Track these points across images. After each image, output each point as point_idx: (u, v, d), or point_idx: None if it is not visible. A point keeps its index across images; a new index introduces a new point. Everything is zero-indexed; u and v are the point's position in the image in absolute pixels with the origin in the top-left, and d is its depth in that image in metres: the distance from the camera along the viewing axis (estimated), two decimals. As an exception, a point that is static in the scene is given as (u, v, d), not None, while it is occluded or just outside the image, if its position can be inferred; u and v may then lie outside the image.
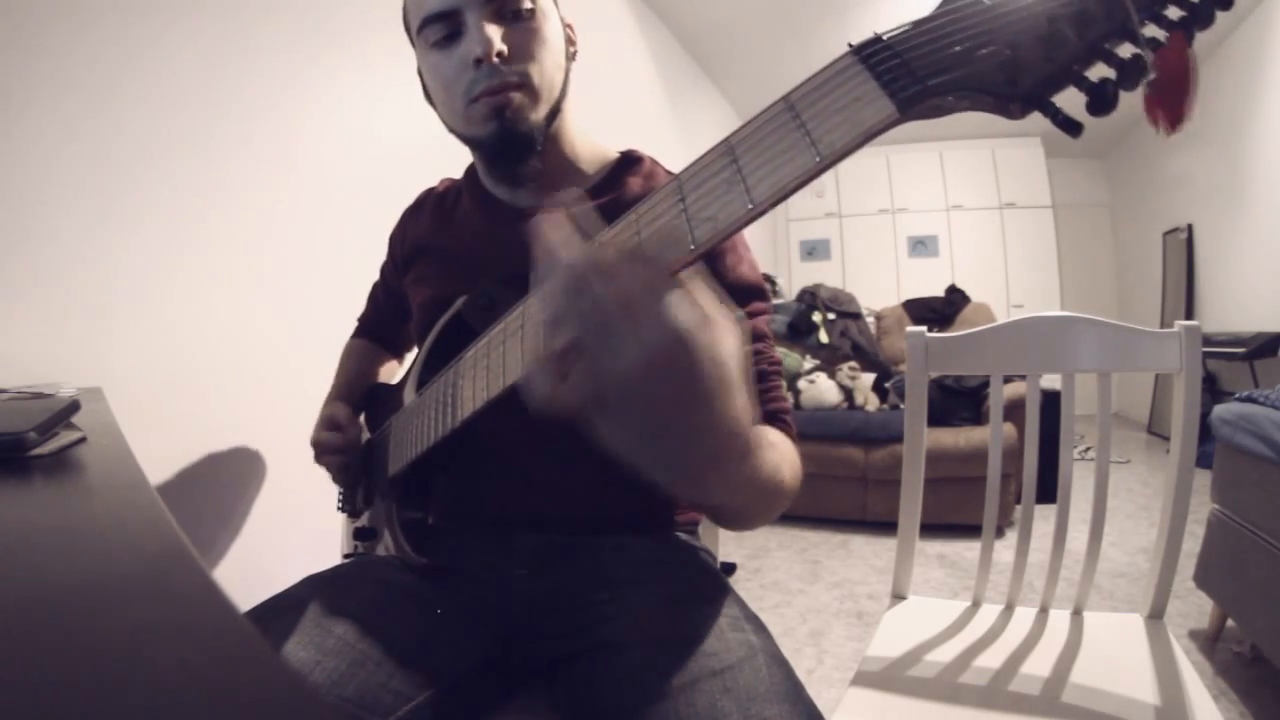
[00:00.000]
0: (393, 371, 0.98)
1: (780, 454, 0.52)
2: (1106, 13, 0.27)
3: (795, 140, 0.31)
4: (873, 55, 0.30)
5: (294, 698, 0.19)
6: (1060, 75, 0.28)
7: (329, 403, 0.87)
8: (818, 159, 0.30)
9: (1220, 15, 0.28)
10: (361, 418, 0.89)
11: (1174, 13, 0.28)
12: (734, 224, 0.32)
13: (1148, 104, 0.29)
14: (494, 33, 0.62)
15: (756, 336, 0.66)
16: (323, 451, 0.79)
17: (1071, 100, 0.30)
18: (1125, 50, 0.28)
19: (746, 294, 0.67)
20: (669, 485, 0.37)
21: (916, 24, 0.30)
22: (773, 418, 0.62)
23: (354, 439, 0.78)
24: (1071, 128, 0.29)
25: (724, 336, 0.32)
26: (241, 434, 1.16)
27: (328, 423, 0.80)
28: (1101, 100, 0.28)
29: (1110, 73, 0.28)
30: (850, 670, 1.40)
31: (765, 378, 0.64)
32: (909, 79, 0.29)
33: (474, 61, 0.63)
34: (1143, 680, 0.72)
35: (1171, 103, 0.29)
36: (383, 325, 0.95)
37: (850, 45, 0.31)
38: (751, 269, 0.69)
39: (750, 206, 0.32)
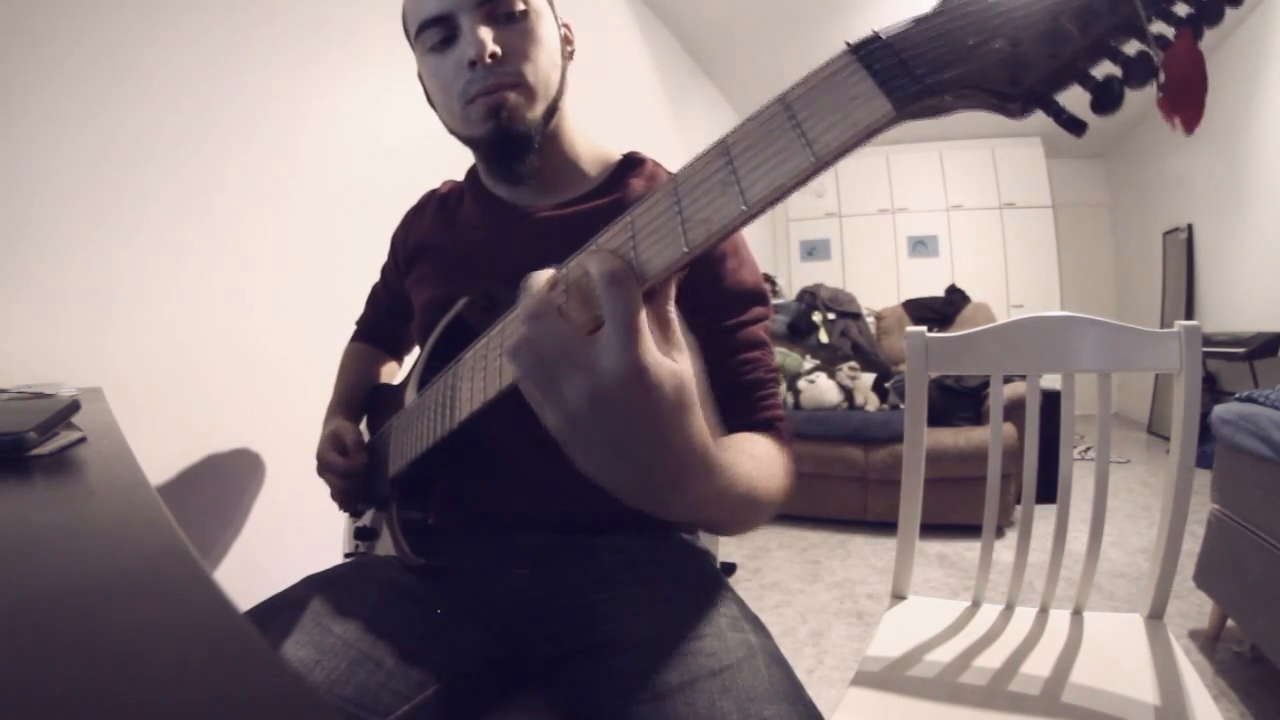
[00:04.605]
0: (393, 373, 0.98)
1: (761, 466, 0.52)
2: (1112, 8, 0.26)
3: (790, 140, 0.30)
4: (870, 53, 0.29)
5: (293, 697, 0.19)
6: (1064, 72, 0.27)
7: (332, 414, 0.86)
8: (813, 159, 0.29)
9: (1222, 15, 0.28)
10: (364, 421, 0.89)
11: (1182, 9, 0.27)
12: (728, 226, 0.32)
13: (1162, 105, 0.28)
14: (486, 35, 0.63)
15: (756, 344, 0.66)
16: (326, 470, 0.78)
17: (1073, 99, 0.29)
18: (1131, 47, 0.27)
19: (747, 299, 0.67)
20: (632, 503, 0.39)
21: (916, 21, 0.29)
22: (766, 426, 0.62)
23: (359, 467, 0.75)
24: (1075, 126, 0.28)
25: (670, 371, 0.34)
26: (242, 434, 1.16)
27: (333, 441, 0.77)
28: (1107, 99, 0.27)
29: (1116, 70, 0.27)
30: (850, 670, 1.40)
31: (762, 385, 0.64)
32: (906, 77, 0.28)
33: (468, 63, 0.63)
34: (1143, 680, 0.72)
35: (1187, 103, 0.28)
36: (382, 327, 0.95)
37: (848, 44, 0.30)
38: (753, 273, 0.69)
39: (744, 208, 0.31)
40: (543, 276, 0.37)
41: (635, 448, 0.35)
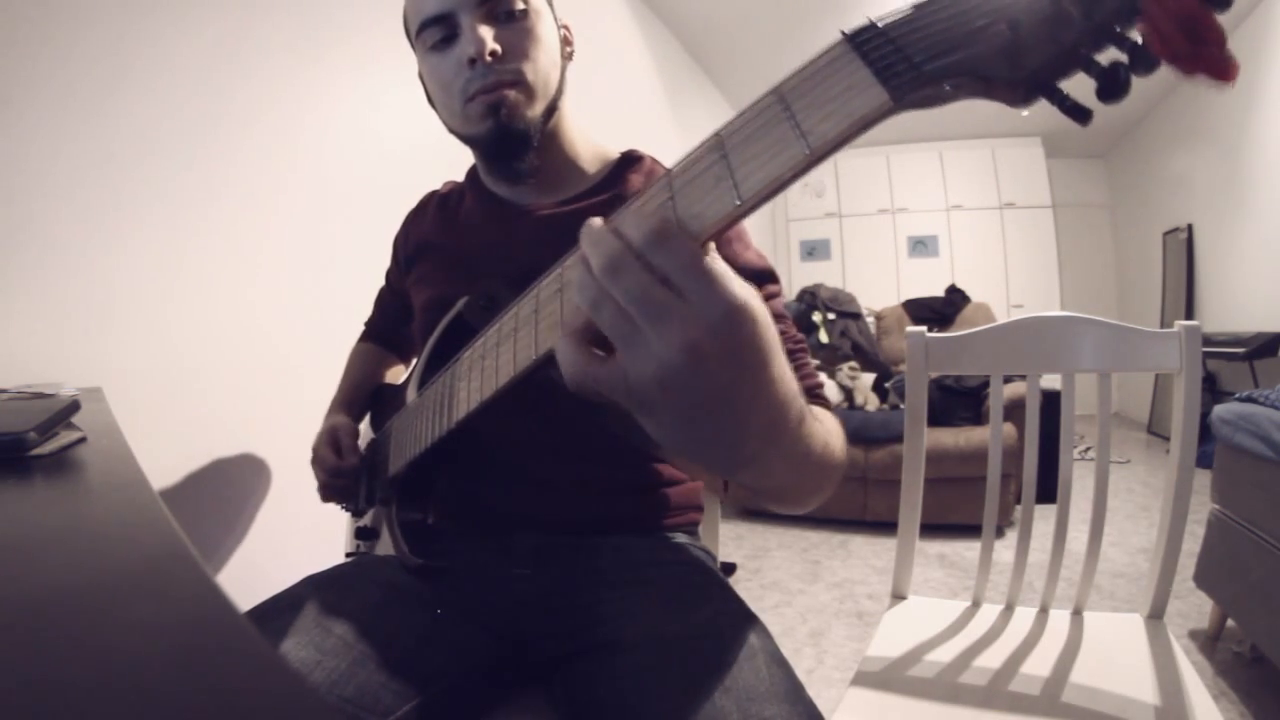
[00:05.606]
0: (399, 375, 0.98)
1: (827, 426, 0.50)
2: None
3: (784, 132, 0.29)
4: (866, 41, 0.28)
5: (294, 697, 0.19)
6: (1066, 58, 0.26)
7: (333, 411, 0.86)
8: (807, 152, 0.29)
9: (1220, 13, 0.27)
10: (366, 419, 0.89)
11: None
12: (721, 221, 0.31)
13: (1182, 67, 0.26)
14: (486, 33, 0.63)
15: (778, 317, 0.65)
16: (316, 465, 0.80)
17: (1077, 87, 0.28)
18: (1137, 33, 0.26)
19: (757, 278, 0.67)
20: (727, 468, 0.37)
21: (913, 9, 0.28)
22: (808, 394, 0.60)
23: (350, 467, 0.77)
24: (1080, 115, 0.27)
25: (760, 305, 0.32)
26: (242, 434, 1.16)
27: (329, 438, 0.79)
28: (1113, 86, 0.26)
29: (1122, 56, 0.26)
30: (850, 670, 1.40)
31: (793, 356, 0.63)
32: (903, 65, 0.27)
33: (469, 61, 0.64)
34: (1143, 680, 0.72)
35: (1205, 54, 0.25)
36: (389, 329, 0.95)
37: (843, 32, 0.29)
38: (758, 255, 0.70)
39: (738, 203, 0.30)
40: (599, 222, 0.34)
41: (735, 399, 0.32)
